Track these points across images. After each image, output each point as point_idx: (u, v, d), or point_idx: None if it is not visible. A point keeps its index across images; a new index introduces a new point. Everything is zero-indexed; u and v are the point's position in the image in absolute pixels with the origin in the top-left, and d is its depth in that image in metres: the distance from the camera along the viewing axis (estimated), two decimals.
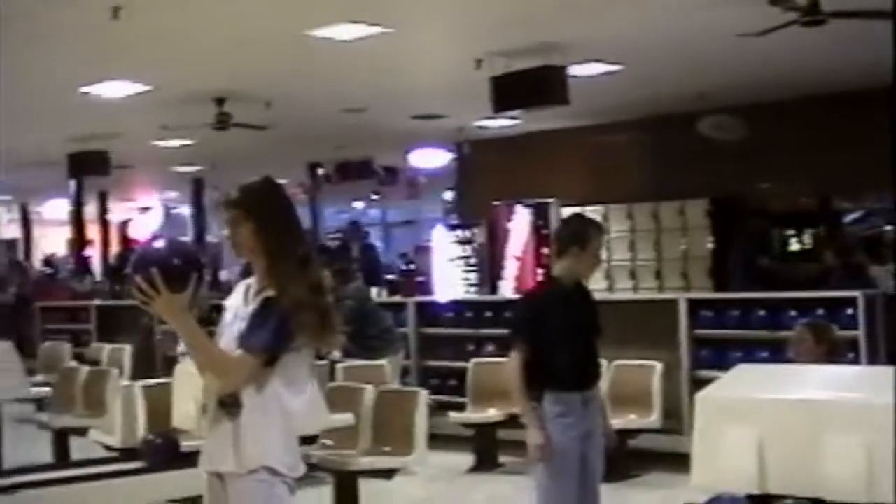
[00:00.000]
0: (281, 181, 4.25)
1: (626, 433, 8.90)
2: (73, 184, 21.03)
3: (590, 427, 5.66)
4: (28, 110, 14.07)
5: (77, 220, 22.51)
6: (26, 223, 30.14)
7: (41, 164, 18.93)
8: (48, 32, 10.08)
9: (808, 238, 15.63)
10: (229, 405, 3.88)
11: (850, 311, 9.01)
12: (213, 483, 4.02)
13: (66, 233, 25.90)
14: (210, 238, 25.48)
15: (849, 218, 15.70)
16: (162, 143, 17.61)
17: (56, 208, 27.08)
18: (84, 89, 12.70)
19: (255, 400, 3.86)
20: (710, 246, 15.64)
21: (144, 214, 31.19)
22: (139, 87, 12.77)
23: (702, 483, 4.05)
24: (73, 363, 11.82)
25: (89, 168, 17.15)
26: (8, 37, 10.03)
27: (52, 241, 30.65)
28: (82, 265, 22.98)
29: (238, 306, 4.01)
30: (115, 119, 14.82)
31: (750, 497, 3.91)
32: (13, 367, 9.25)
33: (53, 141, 16.32)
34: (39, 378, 11.91)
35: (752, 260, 13.83)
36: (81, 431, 9.55)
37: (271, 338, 3.82)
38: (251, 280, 4.05)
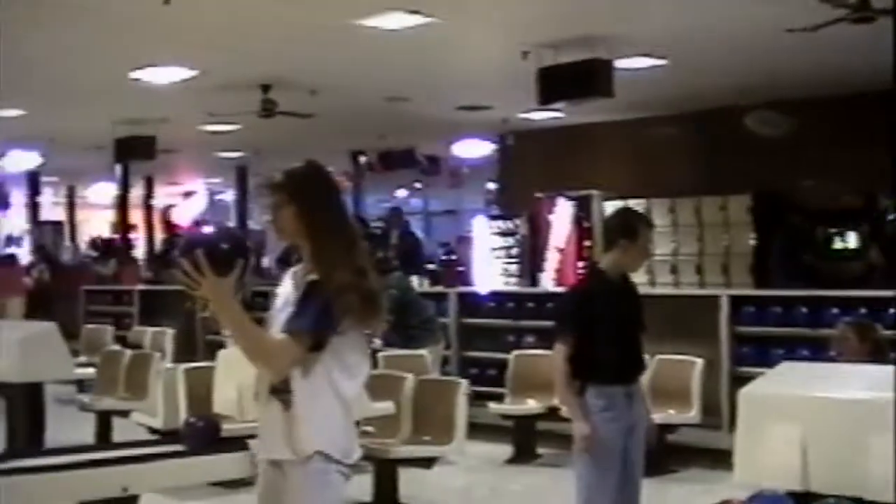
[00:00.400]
0: None
1: (665, 428, 8.89)
2: (118, 168, 21.20)
3: (633, 421, 5.65)
4: (78, 94, 14.24)
5: (122, 204, 22.68)
6: (71, 206, 30.35)
7: (89, 148, 19.12)
8: (100, 18, 10.17)
9: (851, 236, 15.50)
10: (281, 392, 3.87)
11: (893, 311, 8.95)
12: (268, 471, 4.02)
13: (111, 216, 26.11)
14: (253, 224, 25.62)
15: (893, 216, 15.56)
16: (207, 129, 17.70)
17: (101, 192, 27.29)
18: (133, 74, 12.78)
19: (305, 385, 3.84)
20: (751, 242, 15.57)
21: (188, 199, 31.36)
22: (187, 73, 12.84)
23: (744, 479, 4.05)
24: (116, 346, 11.92)
25: (136, 152, 17.27)
26: (60, 22, 10.14)
27: (96, 224, 30.88)
28: (104, 249, 23.17)
29: (289, 293, 3.99)
30: (162, 104, 14.91)
31: (791, 494, 3.91)
32: (58, 349, 9.32)
33: (101, 125, 16.44)
34: (82, 360, 12.01)
35: (794, 257, 13.74)
36: (124, 413, 9.65)
37: (313, 320, 3.80)
38: (299, 266, 4.03)
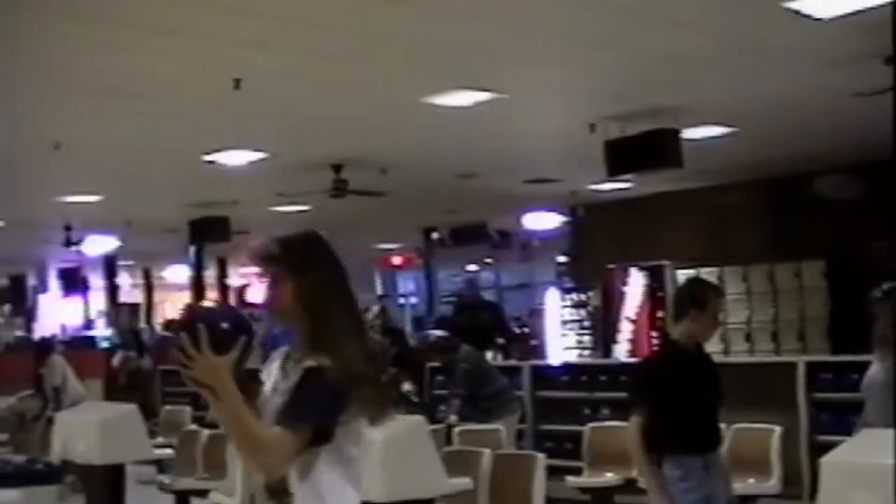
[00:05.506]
0: (395, 245, 4.15)
1: (745, 498, 8.78)
2: (192, 249, 21.48)
3: (711, 492, 5.62)
4: (152, 179, 14.47)
5: (197, 285, 22.95)
6: (149, 288, 30.73)
7: (164, 231, 19.39)
8: (172, 104, 10.37)
9: None
10: (278, 493, 3.33)
11: None
12: None
13: (186, 297, 26.38)
14: None
15: None
16: (279, 209, 17.88)
17: (177, 273, 27.63)
18: (206, 158, 12.95)
19: (306, 486, 3.31)
20: (827, 307, 15.40)
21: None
22: (258, 155, 12.99)
23: None
24: (194, 426, 12.02)
25: (210, 234, 17.51)
26: (134, 109, 10.35)
27: (172, 305, 31.22)
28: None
29: (277, 380, 3.45)
30: (234, 186, 15.12)
31: None
32: (137, 430, 9.44)
33: (175, 208, 16.71)
34: (160, 440, 12.12)
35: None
36: (202, 493, 9.71)
37: (317, 412, 3.25)
38: (286, 349, 3.52)
